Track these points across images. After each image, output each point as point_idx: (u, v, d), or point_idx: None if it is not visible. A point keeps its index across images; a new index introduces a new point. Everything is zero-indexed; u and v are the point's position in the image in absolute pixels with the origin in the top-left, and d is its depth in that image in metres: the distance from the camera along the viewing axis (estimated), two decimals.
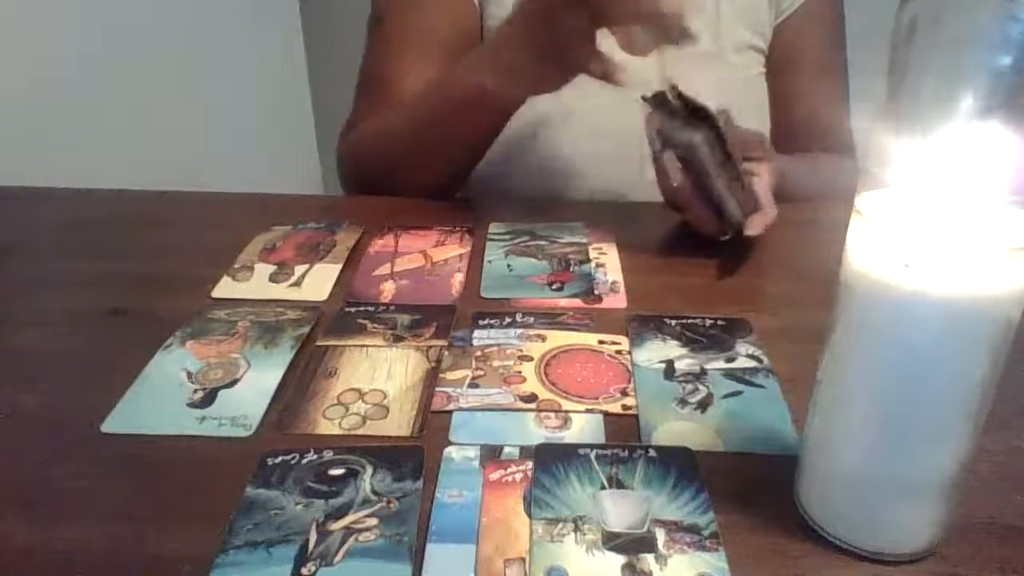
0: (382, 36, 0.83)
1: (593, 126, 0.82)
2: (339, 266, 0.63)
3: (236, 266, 0.63)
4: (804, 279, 0.62)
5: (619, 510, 0.38)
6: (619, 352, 0.52)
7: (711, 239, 0.65)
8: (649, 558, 0.36)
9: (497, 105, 0.71)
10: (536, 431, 0.45)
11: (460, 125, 0.73)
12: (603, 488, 0.40)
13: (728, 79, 0.84)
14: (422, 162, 0.76)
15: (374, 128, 0.80)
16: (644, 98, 0.65)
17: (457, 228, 0.70)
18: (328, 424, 0.45)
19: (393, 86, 0.81)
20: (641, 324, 0.55)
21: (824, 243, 0.60)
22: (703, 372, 0.50)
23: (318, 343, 0.53)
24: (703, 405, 0.47)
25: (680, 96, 0.65)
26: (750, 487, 0.41)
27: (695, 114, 0.63)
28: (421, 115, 0.75)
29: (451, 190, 0.80)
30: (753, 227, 0.62)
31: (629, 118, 0.77)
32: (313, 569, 0.35)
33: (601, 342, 0.53)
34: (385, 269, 0.63)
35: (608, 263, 0.64)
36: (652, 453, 0.42)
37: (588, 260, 0.65)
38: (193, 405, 0.47)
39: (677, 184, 0.62)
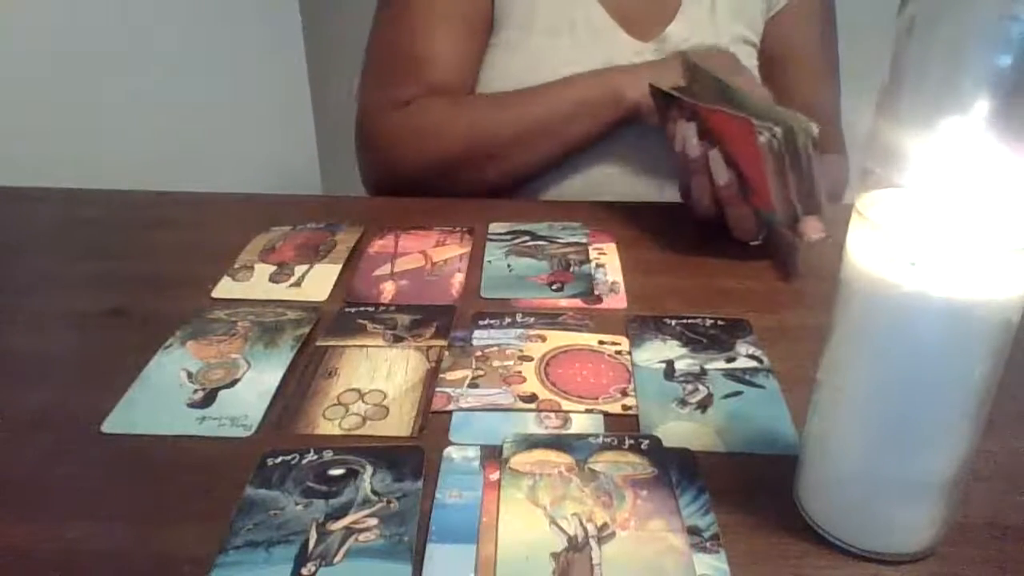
0: (405, 13, 0.81)
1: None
2: (339, 266, 0.63)
3: (236, 266, 0.63)
4: (804, 279, 0.62)
5: None
6: (619, 352, 0.52)
7: (740, 240, 0.65)
8: None
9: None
10: (536, 431, 0.45)
11: (574, 128, 0.76)
12: None
13: None
14: (511, 159, 0.78)
15: (457, 116, 0.78)
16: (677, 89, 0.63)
17: (457, 228, 0.70)
18: (328, 424, 0.45)
19: (429, 63, 0.79)
20: (641, 324, 0.55)
21: (824, 243, 0.60)
22: (703, 372, 0.50)
23: (318, 343, 0.53)
24: (703, 405, 0.47)
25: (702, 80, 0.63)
26: (750, 487, 0.41)
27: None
28: (533, 113, 0.76)
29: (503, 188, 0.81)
30: (812, 231, 0.58)
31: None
32: (313, 569, 0.35)
33: (601, 342, 0.53)
34: (385, 269, 0.63)
35: (608, 263, 0.64)
36: None
37: (588, 260, 0.65)
38: (193, 405, 0.47)
39: (724, 182, 0.60)
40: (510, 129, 0.77)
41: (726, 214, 0.64)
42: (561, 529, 0.37)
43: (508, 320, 0.55)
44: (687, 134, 0.62)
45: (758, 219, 0.62)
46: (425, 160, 0.79)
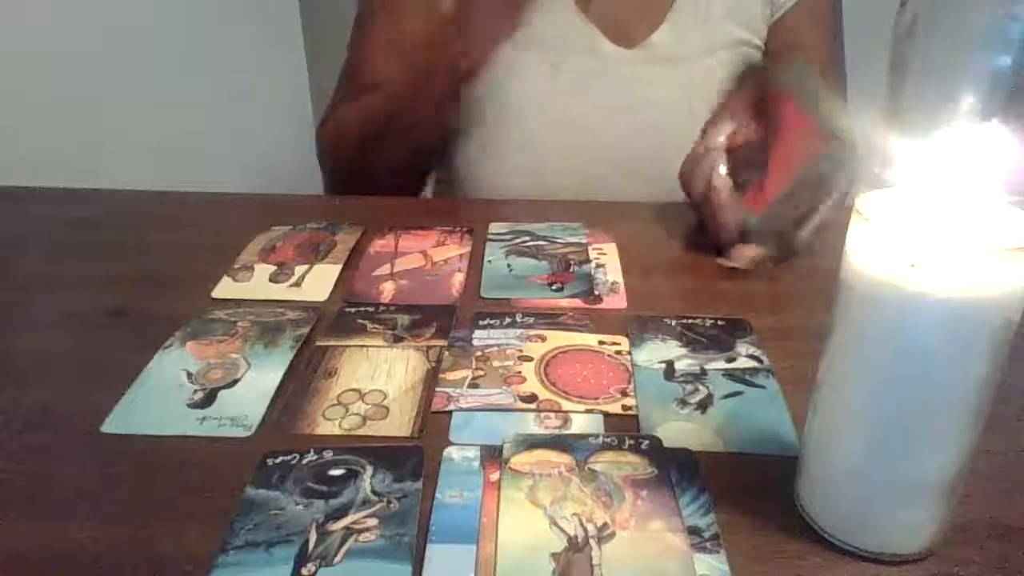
0: (362, 34, 0.83)
1: (569, 118, 0.82)
2: (339, 266, 0.63)
3: (236, 266, 0.63)
4: (804, 279, 0.62)
5: None
6: (619, 352, 0.52)
7: (722, 241, 0.65)
8: None
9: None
10: (536, 431, 0.45)
11: (426, 90, 0.78)
12: None
13: (717, 76, 0.84)
14: (393, 138, 0.80)
15: (350, 112, 0.82)
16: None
17: (457, 228, 0.70)
18: (328, 424, 0.45)
19: (364, 80, 0.82)
20: (641, 324, 0.55)
21: (824, 243, 0.60)
22: (703, 372, 0.50)
23: (318, 343, 0.53)
24: (703, 405, 0.47)
25: None
26: (750, 487, 0.41)
27: None
28: (395, 89, 0.78)
29: (418, 174, 0.86)
30: (744, 255, 0.62)
31: (605, 110, 0.77)
32: (313, 569, 0.35)
33: (601, 342, 0.53)
34: (385, 269, 0.63)
35: (608, 263, 0.64)
36: None
37: (588, 260, 0.65)
38: (193, 405, 0.47)
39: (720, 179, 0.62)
40: (384, 107, 0.79)
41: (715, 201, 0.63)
42: (561, 529, 0.37)
43: (508, 320, 0.55)
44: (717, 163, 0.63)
45: (740, 220, 0.62)
46: (339, 164, 0.85)
